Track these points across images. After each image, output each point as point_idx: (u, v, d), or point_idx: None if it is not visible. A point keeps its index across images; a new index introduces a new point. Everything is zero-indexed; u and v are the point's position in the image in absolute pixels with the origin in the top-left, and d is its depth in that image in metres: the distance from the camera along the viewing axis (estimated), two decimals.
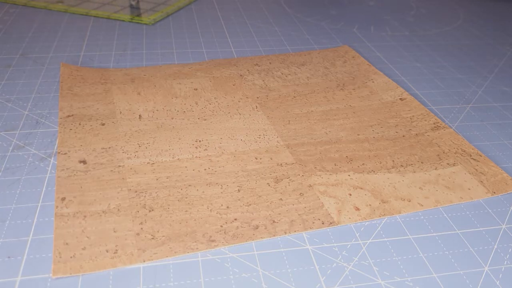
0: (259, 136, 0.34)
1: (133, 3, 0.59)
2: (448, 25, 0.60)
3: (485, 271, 0.25)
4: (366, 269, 0.24)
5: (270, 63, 0.45)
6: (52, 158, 0.31)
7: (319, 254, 0.25)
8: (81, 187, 0.28)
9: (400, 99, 0.40)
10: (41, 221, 0.26)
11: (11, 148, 0.32)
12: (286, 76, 0.43)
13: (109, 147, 0.32)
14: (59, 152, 0.31)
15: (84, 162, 0.30)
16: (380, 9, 0.64)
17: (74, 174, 0.29)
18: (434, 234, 0.27)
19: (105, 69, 0.42)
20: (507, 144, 0.36)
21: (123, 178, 0.29)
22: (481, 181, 0.31)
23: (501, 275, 0.25)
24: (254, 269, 0.24)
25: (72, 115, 0.35)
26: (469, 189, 0.30)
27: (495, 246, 0.26)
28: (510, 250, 0.26)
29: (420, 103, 0.40)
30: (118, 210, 0.27)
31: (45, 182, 0.29)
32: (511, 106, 0.41)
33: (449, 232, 0.27)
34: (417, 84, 0.44)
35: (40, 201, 0.27)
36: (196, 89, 0.40)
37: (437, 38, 0.55)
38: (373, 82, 0.43)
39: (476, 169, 0.32)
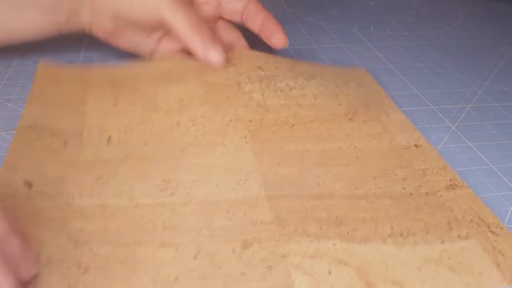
0: (238, 182, 0.28)
1: None
2: (448, 25, 0.60)
3: None
4: None
5: (276, 68, 0.38)
6: None
7: None
8: (17, 218, 0.24)
9: (415, 145, 0.33)
10: None
11: None
12: (291, 90, 0.36)
13: (63, 176, 0.27)
14: (4, 166, 0.27)
15: (29, 185, 0.26)
16: (380, 9, 0.64)
17: (14, 196, 0.25)
18: None
19: (87, 68, 0.37)
20: (507, 144, 0.36)
21: (65, 221, 0.24)
22: (498, 264, 0.25)
23: None
24: None
25: (34, 125, 0.30)
26: (481, 273, 0.24)
27: None
28: None
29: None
30: (49, 261, 0.22)
31: None
32: (511, 106, 0.41)
33: None
34: (417, 84, 0.44)
35: None
36: (183, 100, 0.33)
37: (437, 38, 0.55)
38: (387, 117, 0.36)
39: (494, 246, 0.26)
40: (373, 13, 0.62)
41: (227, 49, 0.37)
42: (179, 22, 0.35)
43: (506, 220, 0.28)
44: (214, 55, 0.35)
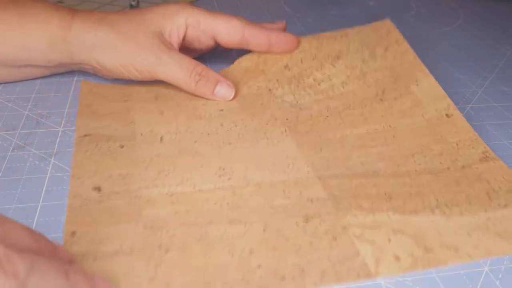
0: (288, 166, 0.31)
1: (133, 3, 0.59)
2: (448, 25, 0.60)
3: (485, 271, 0.25)
4: None
5: (301, 60, 0.40)
6: (53, 158, 0.31)
7: None
8: (94, 220, 0.26)
9: (446, 115, 0.35)
10: (41, 221, 0.26)
11: (11, 148, 0.32)
12: (319, 84, 0.38)
13: (127, 174, 0.29)
14: (72, 176, 0.29)
15: (98, 189, 0.28)
16: (380, 9, 0.64)
17: (87, 204, 0.27)
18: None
19: (127, 85, 0.39)
20: (507, 144, 0.36)
21: (139, 211, 0.27)
22: None
23: (501, 275, 0.25)
24: None
25: (89, 135, 0.32)
26: None
27: None
28: None
29: (468, 122, 0.35)
30: (131, 250, 0.24)
31: (45, 182, 0.29)
32: (511, 106, 0.41)
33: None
34: None
35: (40, 201, 0.27)
36: (222, 110, 0.36)
37: (437, 38, 0.55)
38: (417, 85, 0.37)
39: None
40: (373, 13, 0.62)
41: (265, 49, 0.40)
42: (174, 73, 0.36)
43: None
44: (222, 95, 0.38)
